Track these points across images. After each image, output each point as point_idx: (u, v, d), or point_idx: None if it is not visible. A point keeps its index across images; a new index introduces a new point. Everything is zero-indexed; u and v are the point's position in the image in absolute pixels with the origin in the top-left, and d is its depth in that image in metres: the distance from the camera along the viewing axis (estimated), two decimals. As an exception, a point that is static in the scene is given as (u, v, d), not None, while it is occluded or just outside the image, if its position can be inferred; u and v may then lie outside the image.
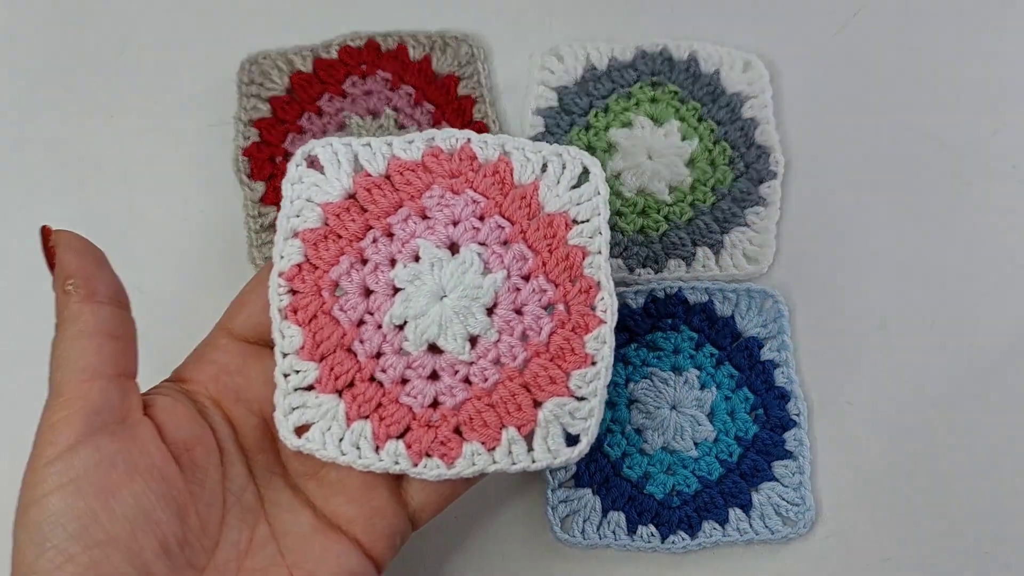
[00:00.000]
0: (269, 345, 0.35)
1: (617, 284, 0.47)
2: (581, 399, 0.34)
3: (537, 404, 0.34)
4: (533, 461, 0.34)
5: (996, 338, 0.46)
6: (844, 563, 0.43)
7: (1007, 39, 0.51)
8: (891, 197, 0.48)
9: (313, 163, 0.36)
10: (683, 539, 0.42)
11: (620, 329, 0.45)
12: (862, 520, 0.43)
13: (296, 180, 0.36)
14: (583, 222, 0.35)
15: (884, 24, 0.52)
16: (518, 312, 0.35)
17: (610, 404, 0.44)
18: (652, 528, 0.42)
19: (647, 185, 0.48)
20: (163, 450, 0.31)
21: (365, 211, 0.35)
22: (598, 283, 0.35)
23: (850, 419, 0.45)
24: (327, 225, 0.35)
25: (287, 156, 0.48)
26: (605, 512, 0.42)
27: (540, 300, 0.35)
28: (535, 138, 0.49)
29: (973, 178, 0.49)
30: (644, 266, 0.47)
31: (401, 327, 0.34)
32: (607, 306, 0.35)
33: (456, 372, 0.34)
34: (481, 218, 0.35)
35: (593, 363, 0.34)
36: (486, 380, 0.34)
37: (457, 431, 0.34)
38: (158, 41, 0.52)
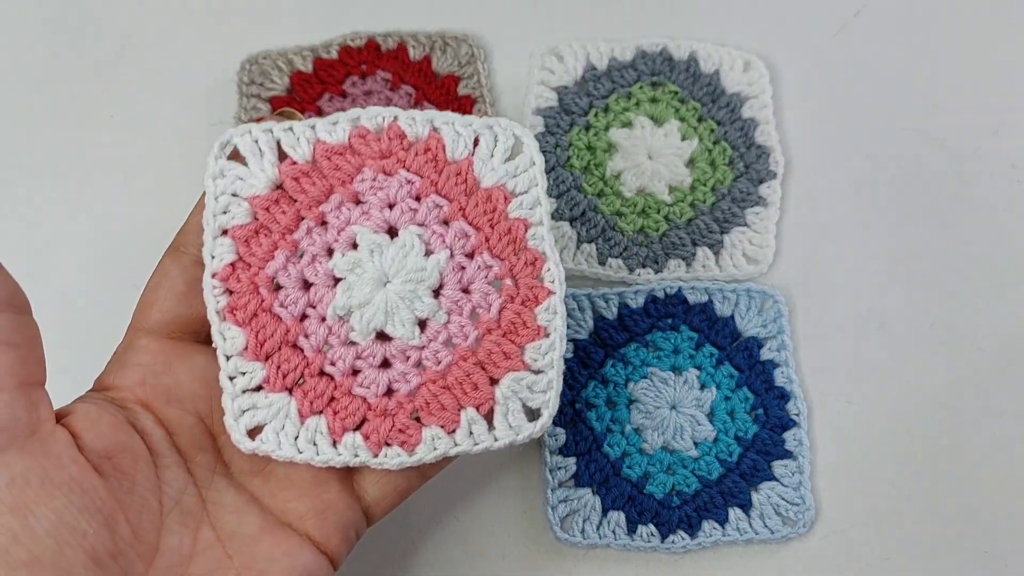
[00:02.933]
0: (190, 340, 0.34)
1: (617, 284, 0.47)
2: (538, 372, 0.34)
3: (494, 381, 0.34)
4: (496, 440, 0.33)
5: (996, 338, 0.46)
6: (844, 563, 0.43)
7: (1007, 39, 0.51)
8: (891, 197, 0.48)
9: (235, 153, 0.34)
10: (683, 539, 0.42)
11: (620, 329, 0.45)
12: (862, 520, 0.43)
13: (218, 174, 0.34)
14: (522, 194, 0.35)
15: (884, 24, 0.52)
16: (465, 291, 0.34)
17: (610, 404, 0.44)
18: (652, 528, 0.42)
19: (647, 185, 0.48)
20: (80, 461, 0.29)
21: (295, 201, 0.34)
22: (543, 254, 0.34)
23: (850, 419, 0.45)
24: (256, 220, 0.34)
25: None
26: (605, 512, 0.43)
27: (487, 276, 0.34)
28: (536, 138, 0.49)
29: (973, 178, 0.49)
30: (644, 266, 0.47)
31: (346, 317, 0.34)
32: (554, 277, 0.34)
33: (408, 358, 0.34)
34: (417, 198, 0.34)
35: (547, 335, 0.34)
36: (439, 363, 0.33)
37: (415, 417, 0.34)
38: (158, 41, 0.52)
